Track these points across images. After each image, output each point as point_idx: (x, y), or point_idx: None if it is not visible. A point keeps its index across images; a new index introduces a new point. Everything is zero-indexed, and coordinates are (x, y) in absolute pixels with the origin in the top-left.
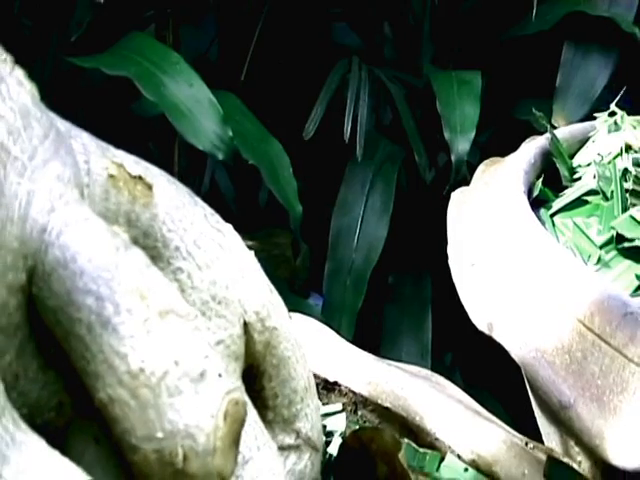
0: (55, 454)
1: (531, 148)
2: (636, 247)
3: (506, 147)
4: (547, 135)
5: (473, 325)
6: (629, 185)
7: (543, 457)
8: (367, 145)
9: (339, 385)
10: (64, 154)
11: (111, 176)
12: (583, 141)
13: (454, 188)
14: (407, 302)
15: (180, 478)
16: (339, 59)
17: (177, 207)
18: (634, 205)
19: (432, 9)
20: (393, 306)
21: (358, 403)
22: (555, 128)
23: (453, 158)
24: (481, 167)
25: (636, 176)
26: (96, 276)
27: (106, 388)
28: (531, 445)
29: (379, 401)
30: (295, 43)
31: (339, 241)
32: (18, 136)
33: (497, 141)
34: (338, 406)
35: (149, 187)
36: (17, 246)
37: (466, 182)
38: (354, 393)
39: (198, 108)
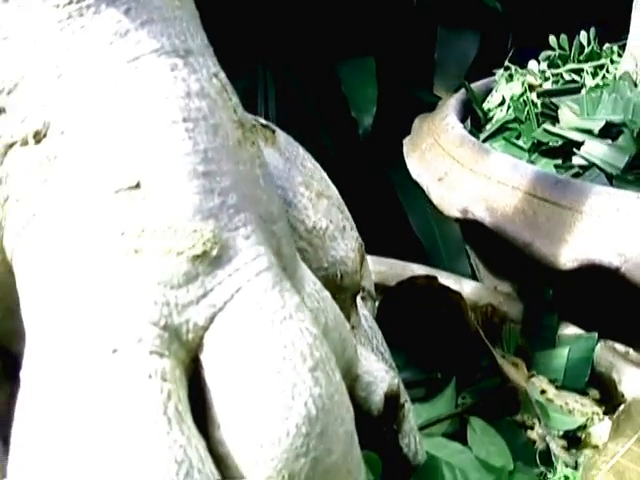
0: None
1: (452, 101)
2: (550, 148)
3: (396, 116)
4: (462, 91)
5: None
6: (538, 110)
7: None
8: None
9: None
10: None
11: (253, 125)
12: (486, 92)
13: (360, 161)
14: None
15: (339, 290)
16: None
17: (289, 143)
18: (544, 122)
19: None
20: None
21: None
22: (438, 98)
23: (360, 131)
24: (416, 121)
25: (543, 103)
26: (280, 176)
27: None
28: (499, 288)
29: (386, 283)
30: None
31: None
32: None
33: (388, 113)
34: None
35: (273, 132)
36: None
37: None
38: None
39: None
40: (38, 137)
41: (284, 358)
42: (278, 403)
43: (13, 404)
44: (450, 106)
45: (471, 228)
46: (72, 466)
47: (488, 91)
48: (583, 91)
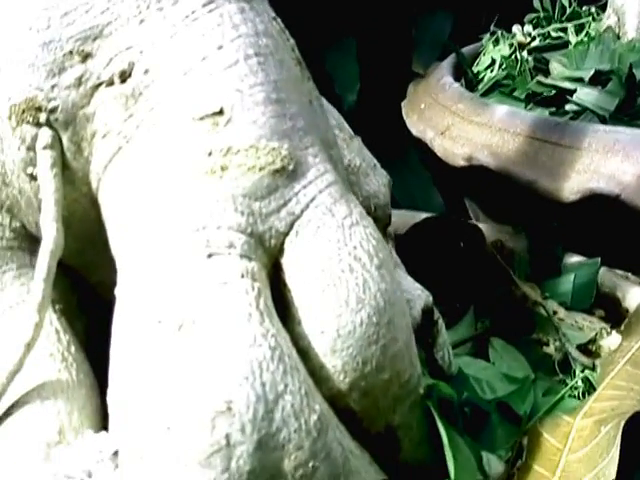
0: None
1: (444, 65)
2: (544, 97)
3: (379, 92)
4: (452, 55)
5: None
6: (530, 65)
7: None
8: None
9: None
10: None
11: None
12: (474, 57)
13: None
14: None
15: (375, 221)
16: None
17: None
18: (536, 75)
19: None
20: None
21: None
22: (417, 74)
23: (345, 107)
24: (410, 86)
25: (534, 58)
26: None
27: None
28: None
29: (397, 232)
30: None
31: None
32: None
33: (370, 89)
34: None
35: None
36: None
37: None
38: None
39: None
40: (124, 77)
41: (355, 257)
42: (352, 297)
43: (88, 335)
44: (443, 69)
45: (475, 176)
46: (176, 356)
47: (475, 55)
48: (570, 46)
